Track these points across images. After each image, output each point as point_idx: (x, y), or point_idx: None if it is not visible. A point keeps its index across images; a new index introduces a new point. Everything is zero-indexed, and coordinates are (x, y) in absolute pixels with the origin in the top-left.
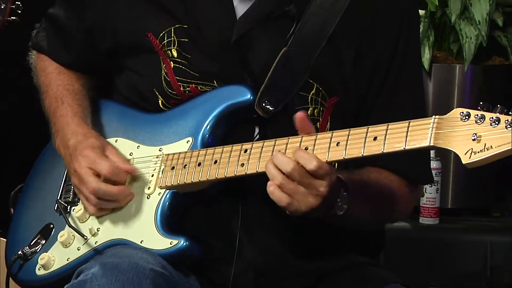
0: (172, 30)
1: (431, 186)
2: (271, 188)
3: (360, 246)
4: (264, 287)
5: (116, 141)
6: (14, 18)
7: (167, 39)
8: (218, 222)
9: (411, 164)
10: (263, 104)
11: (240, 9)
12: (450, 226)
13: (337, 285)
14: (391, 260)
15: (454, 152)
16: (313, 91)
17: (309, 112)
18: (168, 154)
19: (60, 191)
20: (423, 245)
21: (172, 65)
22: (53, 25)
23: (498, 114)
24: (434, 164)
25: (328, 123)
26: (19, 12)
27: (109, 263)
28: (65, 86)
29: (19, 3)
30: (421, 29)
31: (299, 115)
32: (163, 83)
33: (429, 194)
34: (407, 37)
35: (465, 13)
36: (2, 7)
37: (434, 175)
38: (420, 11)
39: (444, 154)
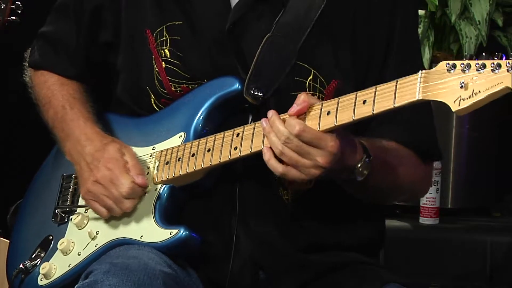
0: (165, 28)
1: (431, 186)
2: (266, 157)
3: (359, 244)
4: (262, 283)
5: None
6: (14, 18)
7: (160, 38)
8: (214, 216)
9: (422, 139)
10: (252, 91)
11: None
12: (450, 226)
13: (336, 284)
14: (391, 260)
15: (443, 103)
16: (311, 77)
17: None
18: (162, 151)
19: (57, 201)
20: (423, 245)
21: (163, 65)
22: (50, 39)
23: (483, 60)
24: (434, 164)
25: None
26: (19, 12)
27: (118, 263)
28: (72, 95)
29: (19, 3)
30: (421, 29)
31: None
32: (155, 81)
33: (429, 194)
34: (404, 13)
35: (465, 13)
36: (2, 7)
37: (434, 175)
38: (420, 11)
39: (444, 154)
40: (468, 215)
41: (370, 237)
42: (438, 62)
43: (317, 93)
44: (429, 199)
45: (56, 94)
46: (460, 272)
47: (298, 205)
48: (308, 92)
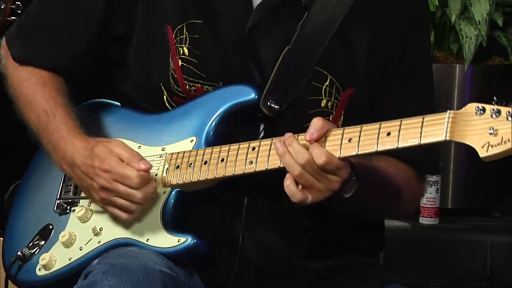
0: (185, 26)
1: (431, 186)
2: (287, 182)
3: (360, 246)
4: (265, 286)
5: None
6: (14, 18)
7: (179, 35)
8: (220, 220)
9: (420, 153)
10: (268, 103)
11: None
12: (450, 226)
13: (337, 285)
14: (391, 260)
15: (470, 145)
16: (327, 83)
17: (322, 104)
18: (172, 153)
19: (59, 191)
20: (423, 245)
21: (180, 63)
22: (42, 31)
23: None
24: None
25: (341, 117)
26: (19, 12)
27: (118, 263)
28: (54, 98)
29: (19, 3)
30: None
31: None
32: (170, 79)
33: (429, 194)
34: (419, 32)
35: (465, 13)
36: (2, 7)
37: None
38: None
39: (444, 154)
40: (468, 215)
41: (370, 239)
42: (438, 62)
43: (332, 99)
44: (429, 199)
45: (38, 97)
46: (460, 272)
47: (301, 214)
48: (323, 97)
